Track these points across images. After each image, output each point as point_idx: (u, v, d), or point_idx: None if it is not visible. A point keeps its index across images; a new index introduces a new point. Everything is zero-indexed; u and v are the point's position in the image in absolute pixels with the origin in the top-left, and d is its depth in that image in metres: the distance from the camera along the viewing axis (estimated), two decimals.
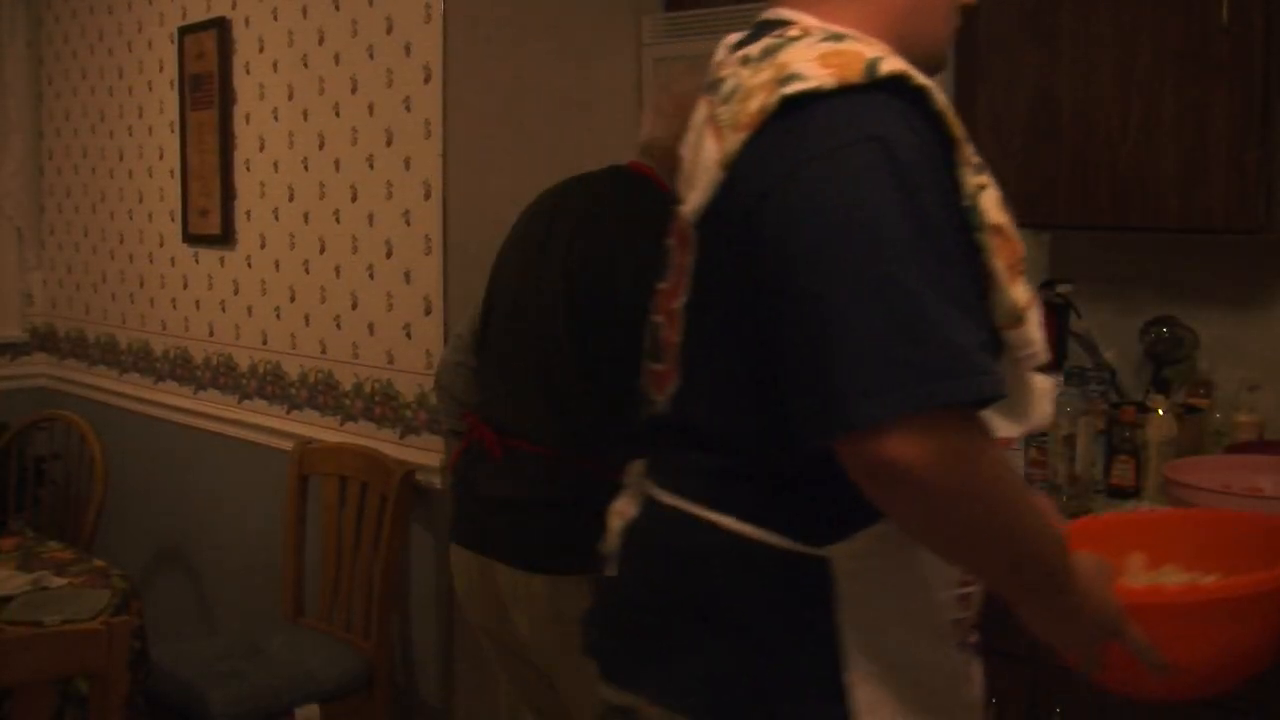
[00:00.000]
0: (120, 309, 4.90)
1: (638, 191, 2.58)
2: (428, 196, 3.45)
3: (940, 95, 1.45)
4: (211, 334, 4.39)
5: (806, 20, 1.56)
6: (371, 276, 3.67)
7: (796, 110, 1.42)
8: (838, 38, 1.48)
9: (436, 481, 3.45)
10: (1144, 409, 2.88)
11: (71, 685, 2.61)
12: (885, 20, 1.58)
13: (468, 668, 3.47)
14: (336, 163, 3.77)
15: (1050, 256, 3.17)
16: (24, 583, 3.04)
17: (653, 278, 2.39)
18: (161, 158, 4.61)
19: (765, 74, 1.47)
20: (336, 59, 3.74)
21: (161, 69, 4.57)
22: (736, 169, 1.47)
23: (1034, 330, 1.50)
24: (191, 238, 4.45)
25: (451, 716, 3.56)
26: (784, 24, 1.57)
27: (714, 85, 1.57)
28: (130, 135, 4.80)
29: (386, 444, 3.65)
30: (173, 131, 4.51)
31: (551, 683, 2.63)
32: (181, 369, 4.56)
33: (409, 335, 3.56)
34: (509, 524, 2.56)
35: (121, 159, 4.85)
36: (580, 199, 2.63)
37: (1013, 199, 3.06)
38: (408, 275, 3.54)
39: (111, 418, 4.79)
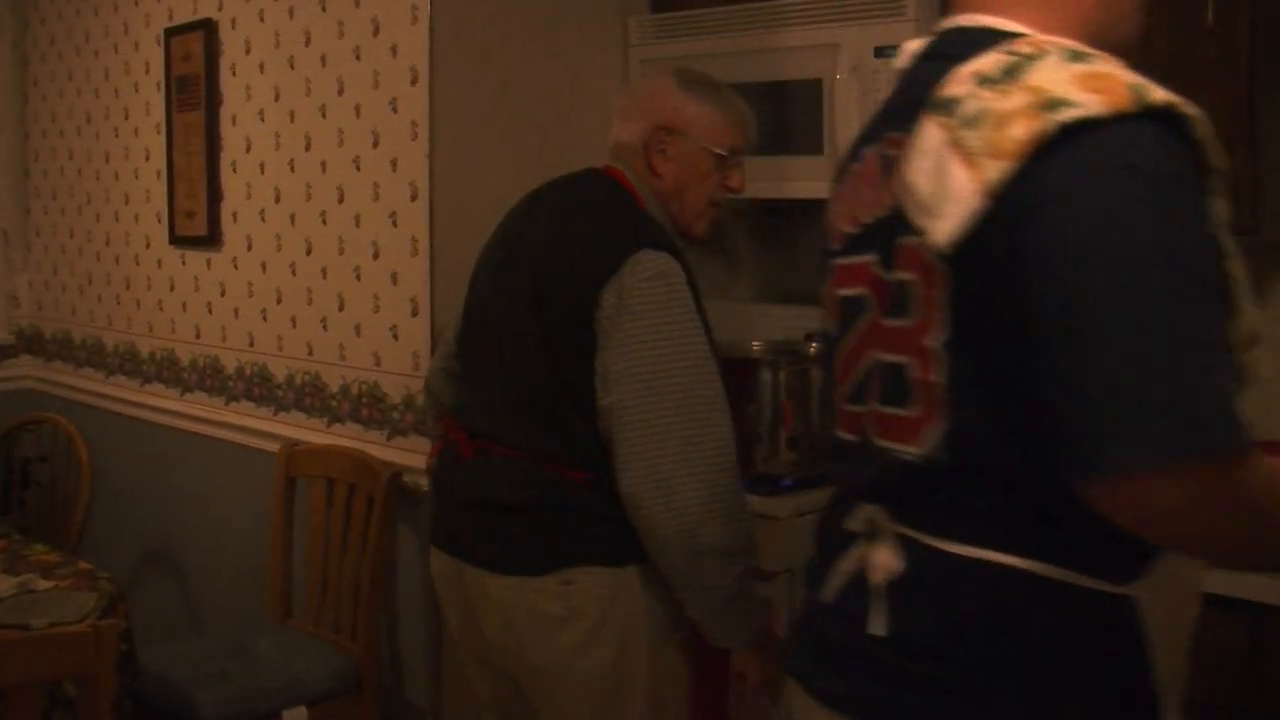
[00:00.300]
0: (106, 311, 4.89)
1: (606, 193, 2.60)
2: (414, 198, 3.45)
3: (1206, 124, 1.42)
4: (198, 336, 4.39)
5: (1034, 33, 1.52)
6: (358, 278, 3.67)
7: (1067, 137, 1.38)
8: (1080, 56, 1.44)
9: (424, 483, 3.44)
10: None
11: (59, 688, 2.61)
12: (1079, 22, 1.57)
13: (455, 669, 3.46)
14: (323, 164, 3.76)
15: None
16: (10, 586, 3.03)
17: (604, 274, 2.42)
18: (147, 159, 4.60)
19: (1018, 98, 1.41)
20: (323, 60, 3.74)
21: (148, 71, 4.56)
22: (1004, 198, 1.41)
23: (1264, 351, 1.48)
24: (178, 239, 4.45)
25: (439, 718, 3.56)
26: (999, 35, 1.53)
27: (944, 105, 1.47)
28: (116, 137, 4.79)
29: (373, 445, 3.64)
30: (159, 133, 4.51)
31: (520, 691, 2.65)
32: (168, 371, 4.55)
33: (396, 337, 3.55)
34: (478, 525, 2.57)
35: (108, 161, 4.85)
36: (552, 202, 2.65)
37: None
38: (394, 277, 3.54)
39: (98, 420, 4.78)
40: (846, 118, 3.21)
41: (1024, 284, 1.39)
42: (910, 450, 1.55)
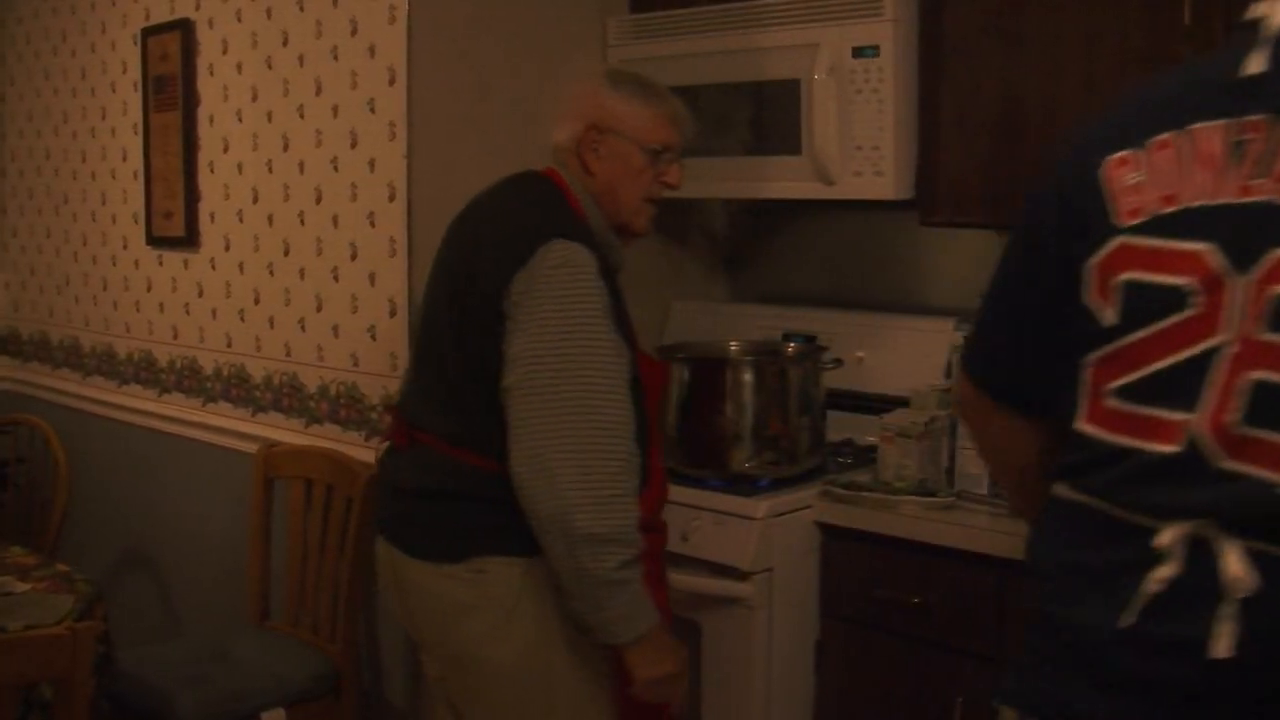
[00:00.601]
0: (84, 312, 4.87)
1: (535, 191, 2.64)
2: (392, 198, 3.44)
3: None
4: (176, 337, 4.37)
5: None
6: (336, 279, 3.66)
7: None
8: None
9: None
10: None
11: (35, 691, 2.59)
12: None
13: None
14: (301, 165, 3.75)
15: None
16: None
17: (516, 263, 2.44)
18: (125, 160, 4.59)
19: None
20: (301, 61, 3.73)
21: (124, 70, 4.55)
22: None
23: None
24: (155, 240, 4.43)
25: (418, 719, 3.55)
26: None
27: None
28: (93, 137, 4.77)
29: (351, 446, 3.64)
30: (136, 133, 4.49)
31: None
32: (146, 372, 4.54)
33: (374, 337, 3.55)
34: (406, 512, 2.64)
35: (84, 161, 4.83)
36: (486, 201, 2.69)
37: (978, 199, 3.07)
38: (372, 277, 3.53)
39: (76, 421, 4.77)
40: (825, 118, 3.21)
41: None
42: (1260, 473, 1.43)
